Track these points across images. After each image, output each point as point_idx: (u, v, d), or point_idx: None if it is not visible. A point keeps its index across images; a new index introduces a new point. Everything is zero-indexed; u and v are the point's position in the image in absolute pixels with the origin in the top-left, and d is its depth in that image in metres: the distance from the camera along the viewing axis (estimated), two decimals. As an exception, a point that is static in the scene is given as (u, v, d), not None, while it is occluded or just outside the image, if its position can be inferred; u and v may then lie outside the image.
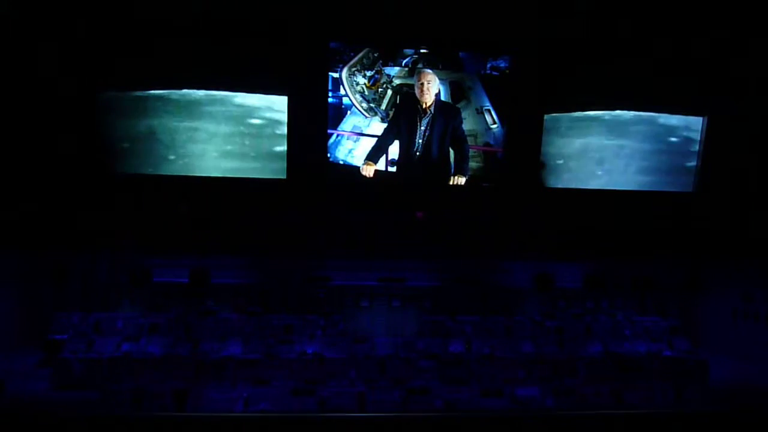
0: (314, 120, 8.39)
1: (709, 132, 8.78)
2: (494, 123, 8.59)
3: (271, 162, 8.42)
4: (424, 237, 8.88)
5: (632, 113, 8.75)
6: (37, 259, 8.91)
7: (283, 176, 8.34)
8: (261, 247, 8.74)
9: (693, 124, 8.84)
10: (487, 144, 8.68)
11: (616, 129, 8.78)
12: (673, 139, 8.85)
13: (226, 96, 8.25)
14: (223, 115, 8.27)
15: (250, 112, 8.33)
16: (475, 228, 8.97)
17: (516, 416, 6.99)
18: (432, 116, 8.45)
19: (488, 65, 8.43)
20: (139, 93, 8.11)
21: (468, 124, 8.56)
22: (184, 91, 8.16)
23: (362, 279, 9.35)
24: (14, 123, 7.91)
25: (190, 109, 8.21)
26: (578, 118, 8.74)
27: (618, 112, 8.74)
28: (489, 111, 8.54)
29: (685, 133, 8.86)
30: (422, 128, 8.48)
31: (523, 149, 8.73)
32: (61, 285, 9.01)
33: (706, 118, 8.79)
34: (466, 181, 8.65)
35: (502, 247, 9.09)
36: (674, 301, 9.96)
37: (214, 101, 8.24)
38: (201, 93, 8.19)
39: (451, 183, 8.65)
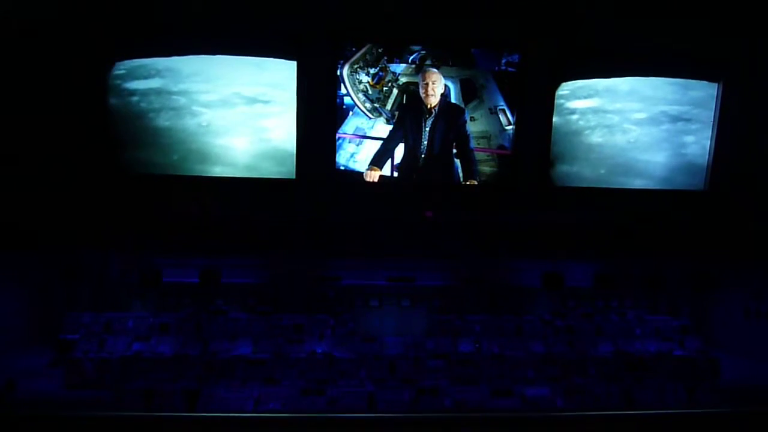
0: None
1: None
2: (509, 124, 8.06)
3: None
4: (434, 237, 8.84)
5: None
6: (49, 260, 8.97)
7: (293, 177, 8.32)
8: (271, 247, 8.74)
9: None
10: (501, 147, 8.17)
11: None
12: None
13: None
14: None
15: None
16: (485, 227, 8.92)
17: (526, 416, 6.98)
18: (436, 116, 8.08)
19: (503, 61, 7.88)
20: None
21: (481, 126, 8.06)
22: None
23: (372, 279, 9.36)
24: (24, 123, 7.94)
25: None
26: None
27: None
28: (503, 111, 8.03)
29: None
30: (427, 129, 8.11)
31: (532, 147, 8.44)
32: (73, 285, 9.08)
33: (721, 83, 8.34)
34: (478, 183, 8.35)
35: (511, 247, 9.05)
36: (685, 300, 9.91)
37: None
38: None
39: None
